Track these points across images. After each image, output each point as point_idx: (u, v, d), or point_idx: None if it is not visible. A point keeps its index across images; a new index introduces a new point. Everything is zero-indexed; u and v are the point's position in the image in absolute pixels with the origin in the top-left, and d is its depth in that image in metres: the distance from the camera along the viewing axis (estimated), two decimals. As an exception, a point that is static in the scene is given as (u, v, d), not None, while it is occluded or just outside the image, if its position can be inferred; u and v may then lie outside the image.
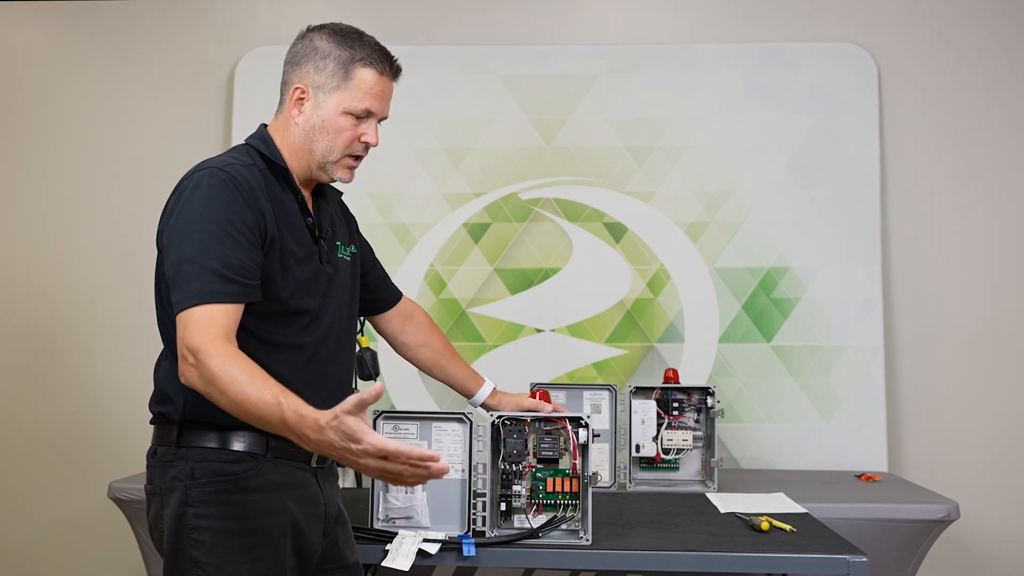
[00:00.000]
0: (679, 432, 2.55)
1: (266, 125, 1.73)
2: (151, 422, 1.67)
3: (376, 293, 2.01)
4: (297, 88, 1.67)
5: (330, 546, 1.73)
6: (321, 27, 1.69)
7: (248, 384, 1.39)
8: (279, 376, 1.44)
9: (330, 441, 1.32)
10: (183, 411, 1.58)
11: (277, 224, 1.60)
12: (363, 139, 1.70)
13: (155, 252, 1.52)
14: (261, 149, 1.66)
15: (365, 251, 1.96)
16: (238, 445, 1.58)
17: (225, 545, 1.54)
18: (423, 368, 2.10)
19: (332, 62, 1.65)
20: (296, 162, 1.69)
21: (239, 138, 3.26)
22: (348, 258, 1.80)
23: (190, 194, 1.54)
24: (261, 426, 1.41)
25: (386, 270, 2.07)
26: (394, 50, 3.63)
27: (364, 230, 2.01)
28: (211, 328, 1.45)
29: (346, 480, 2.51)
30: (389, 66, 1.70)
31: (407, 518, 1.98)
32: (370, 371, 2.42)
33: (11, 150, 3.46)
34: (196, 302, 1.46)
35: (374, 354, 2.45)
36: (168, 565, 1.58)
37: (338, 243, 1.78)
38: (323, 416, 1.33)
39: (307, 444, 1.36)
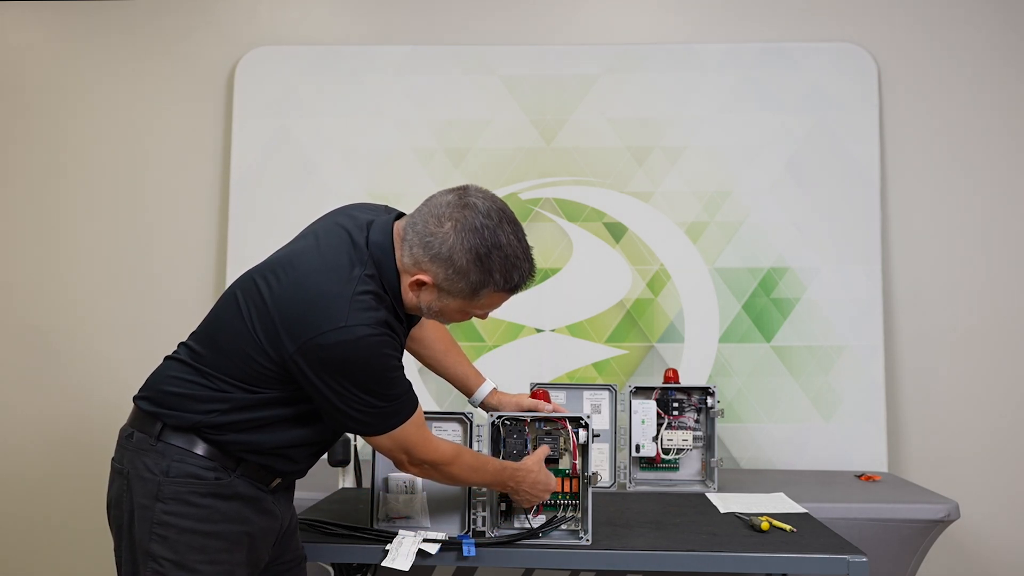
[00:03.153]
0: (679, 432, 2.55)
1: (392, 227, 1.66)
2: (135, 399, 1.70)
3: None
4: (422, 278, 1.61)
5: (274, 552, 1.78)
6: (469, 232, 1.58)
7: (485, 480, 1.84)
8: (292, 442, 1.69)
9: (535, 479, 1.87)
10: (191, 424, 1.62)
11: None
12: (474, 316, 1.73)
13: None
14: (388, 291, 1.63)
15: None
16: (212, 454, 1.63)
17: (186, 543, 1.59)
18: (424, 363, 2.10)
19: (465, 282, 1.61)
20: (408, 304, 1.68)
21: (239, 138, 3.29)
22: None
23: (363, 355, 1.56)
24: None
25: None
26: (394, 50, 3.62)
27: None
28: (430, 439, 1.74)
29: (346, 480, 2.51)
30: (522, 286, 1.67)
31: (407, 518, 1.98)
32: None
33: (11, 150, 3.46)
34: (391, 429, 1.66)
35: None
36: (125, 551, 1.63)
37: None
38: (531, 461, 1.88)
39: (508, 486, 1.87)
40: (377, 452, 1.85)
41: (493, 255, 1.59)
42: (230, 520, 1.63)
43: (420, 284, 1.62)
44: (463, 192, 1.62)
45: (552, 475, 1.90)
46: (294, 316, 1.57)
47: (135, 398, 1.70)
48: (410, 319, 1.76)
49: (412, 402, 1.68)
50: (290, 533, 1.82)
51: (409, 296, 1.65)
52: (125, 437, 1.67)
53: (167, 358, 1.73)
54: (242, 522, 1.65)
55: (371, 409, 1.61)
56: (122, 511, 1.63)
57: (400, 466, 1.74)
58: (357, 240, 1.63)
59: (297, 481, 1.83)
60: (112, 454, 1.70)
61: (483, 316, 1.73)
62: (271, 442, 1.65)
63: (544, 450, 1.91)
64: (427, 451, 1.71)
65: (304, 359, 1.56)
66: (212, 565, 1.61)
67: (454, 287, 1.61)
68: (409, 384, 1.68)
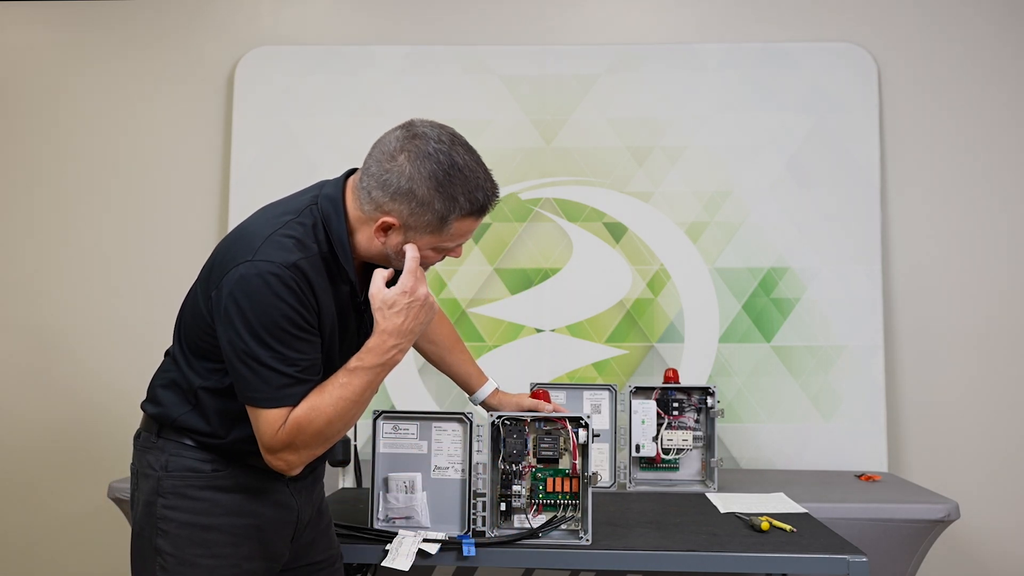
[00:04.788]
0: (679, 432, 2.55)
1: (345, 181, 1.61)
2: (142, 406, 1.71)
3: None
4: (387, 220, 1.55)
5: (299, 548, 1.75)
6: (423, 158, 1.52)
7: (333, 411, 1.52)
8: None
9: (401, 321, 1.55)
10: (172, 420, 1.63)
11: (331, 315, 1.59)
12: (448, 255, 1.66)
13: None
14: (334, 243, 1.57)
15: None
16: (209, 452, 1.63)
17: (187, 538, 1.59)
18: (428, 359, 2.10)
19: (430, 213, 1.53)
20: (369, 255, 1.62)
21: (239, 139, 3.29)
22: None
23: (257, 290, 1.48)
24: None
25: None
26: (394, 50, 3.62)
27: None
28: (273, 430, 1.52)
29: (346, 480, 2.51)
30: (489, 206, 1.59)
31: (407, 518, 1.98)
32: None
33: (11, 150, 3.46)
34: (274, 406, 1.51)
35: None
36: (134, 547, 1.66)
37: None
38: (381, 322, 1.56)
39: (394, 351, 1.55)
40: (382, 444, 1.82)
41: (454, 178, 1.53)
42: (231, 513, 1.62)
43: (386, 228, 1.56)
44: (409, 124, 1.59)
45: (416, 284, 1.57)
46: (219, 259, 1.57)
47: (142, 403, 1.71)
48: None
49: (304, 390, 1.53)
50: (323, 530, 1.81)
51: (375, 244, 1.58)
52: (135, 438, 1.70)
53: (165, 354, 1.74)
54: (247, 515, 1.63)
55: (255, 364, 1.49)
56: (134, 510, 1.66)
57: (264, 452, 1.55)
58: (304, 196, 1.62)
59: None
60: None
61: (456, 253, 1.65)
62: (234, 438, 1.62)
63: (381, 275, 1.60)
64: (274, 439, 1.51)
65: (216, 296, 1.52)
66: (214, 559, 1.60)
67: (420, 221, 1.54)
68: (315, 371, 1.55)
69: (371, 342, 1.55)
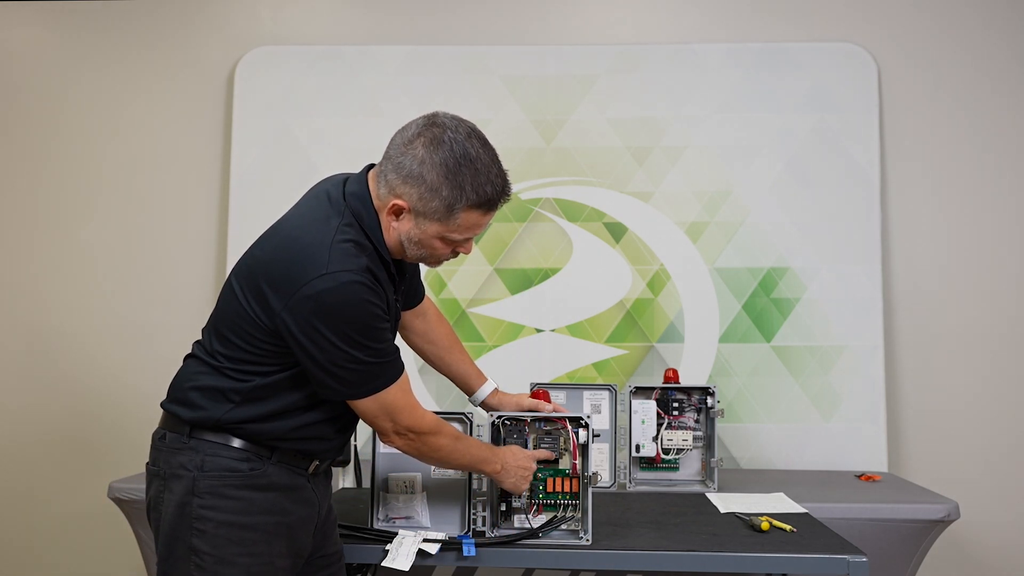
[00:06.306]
0: (679, 432, 2.55)
1: (367, 176, 1.67)
2: (163, 405, 1.70)
3: (406, 298, 1.99)
4: (398, 203, 1.62)
5: (315, 542, 1.78)
6: (437, 145, 1.60)
7: (469, 452, 1.81)
8: (317, 418, 1.68)
9: (511, 466, 1.86)
10: (215, 420, 1.63)
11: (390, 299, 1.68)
12: (458, 250, 1.71)
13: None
14: (371, 238, 1.63)
15: None
16: (246, 446, 1.64)
17: (225, 537, 1.60)
18: (427, 360, 2.10)
19: (438, 200, 1.60)
20: (391, 245, 1.68)
21: (239, 138, 3.29)
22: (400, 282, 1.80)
23: (345, 300, 1.54)
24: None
25: None
26: (394, 50, 3.62)
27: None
28: (416, 407, 1.70)
29: (346, 480, 2.52)
30: (498, 202, 1.66)
31: (407, 518, 1.98)
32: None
33: (11, 150, 3.46)
34: (385, 387, 1.64)
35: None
36: (164, 549, 1.63)
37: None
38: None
39: (496, 467, 1.84)
40: (381, 444, 1.84)
41: (463, 168, 1.60)
42: (267, 512, 1.64)
43: (397, 212, 1.62)
44: (432, 115, 1.66)
45: (532, 461, 1.89)
46: (279, 274, 1.58)
47: (162, 403, 1.71)
48: (400, 271, 1.75)
49: (398, 365, 1.67)
50: (331, 524, 1.84)
51: (390, 234, 1.65)
52: (158, 439, 1.69)
53: (186, 357, 1.74)
54: (280, 513, 1.66)
55: (356, 366, 1.58)
56: (160, 511, 1.64)
57: (384, 436, 1.70)
58: (334, 196, 1.66)
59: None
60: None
61: (466, 248, 1.71)
62: (292, 425, 1.66)
63: (541, 453, 1.92)
64: (413, 418, 1.68)
65: (291, 315, 1.55)
66: (251, 557, 1.62)
67: (428, 207, 1.60)
68: (396, 348, 1.67)
69: (493, 452, 1.84)
